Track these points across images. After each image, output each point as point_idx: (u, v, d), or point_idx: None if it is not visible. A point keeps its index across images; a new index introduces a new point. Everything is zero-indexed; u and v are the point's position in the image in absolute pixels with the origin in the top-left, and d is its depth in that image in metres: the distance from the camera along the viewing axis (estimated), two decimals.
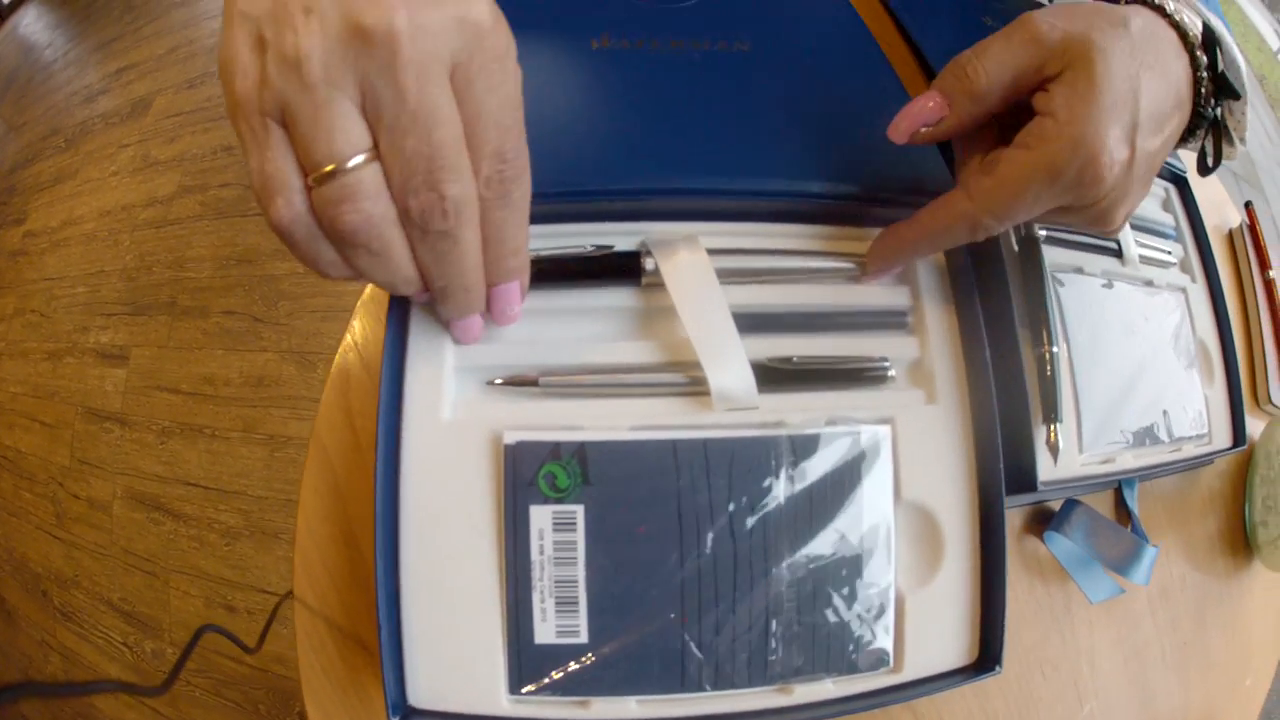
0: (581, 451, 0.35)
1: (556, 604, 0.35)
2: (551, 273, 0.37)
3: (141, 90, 2.01)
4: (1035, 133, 0.33)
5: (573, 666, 0.35)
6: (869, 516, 0.37)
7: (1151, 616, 0.52)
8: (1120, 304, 0.49)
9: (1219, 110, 0.37)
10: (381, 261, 0.29)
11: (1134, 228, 0.52)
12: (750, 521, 0.36)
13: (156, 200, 1.76)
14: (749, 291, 0.38)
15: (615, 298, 0.38)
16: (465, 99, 0.27)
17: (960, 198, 0.35)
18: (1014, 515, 0.48)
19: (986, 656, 0.38)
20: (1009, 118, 0.35)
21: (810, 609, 0.36)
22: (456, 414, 0.36)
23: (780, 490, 0.36)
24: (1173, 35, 0.34)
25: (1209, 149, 0.39)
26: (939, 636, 0.38)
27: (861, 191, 0.39)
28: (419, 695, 0.35)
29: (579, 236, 0.38)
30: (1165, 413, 0.50)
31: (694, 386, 0.36)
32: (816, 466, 0.36)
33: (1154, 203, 0.57)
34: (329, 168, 0.26)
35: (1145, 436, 0.48)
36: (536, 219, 0.38)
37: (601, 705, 0.35)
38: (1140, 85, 0.32)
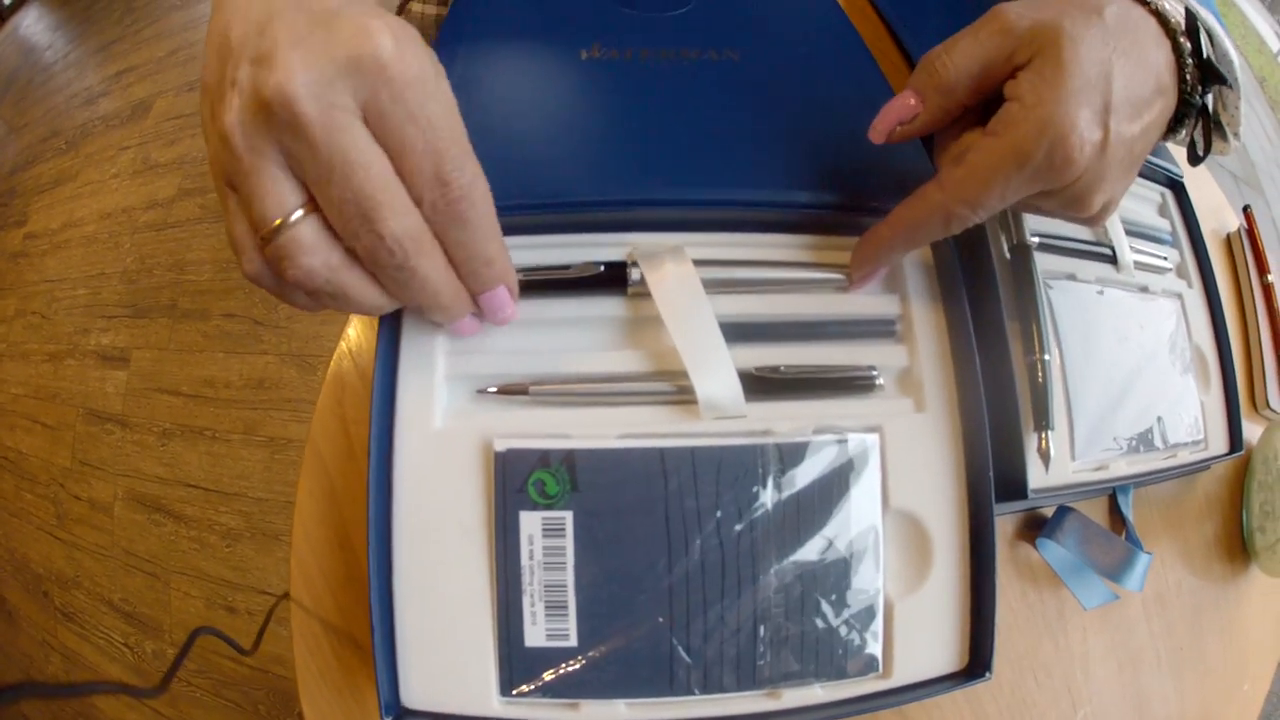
0: (570, 459, 0.35)
1: (546, 608, 0.35)
2: (536, 285, 0.37)
3: (141, 93, 2.02)
4: (1003, 118, 0.33)
5: (562, 669, 0.35)
6: (857, 524, 0.37)
7: (1147, 622, 0.52)
8: (1114, 310, 0.49)
9: (1207, 98, 0.36)
10: (343, 300, 0.30)
11: (1129, 233, 0.51)
12: (738, 528, 0.36)
13: (157, 203, 1.76)
14: (737, 301, 0.38)
15: (604, 308, 0.39)
16: (385, 134, 0.28)
17: (933, 189, 0.35)
18: (1006, 521, 0.48)
19: (977, 663, 0.38)
20: (986, 111, 0.35)
21: (798, 615, 0.36)
22: (447, 422, 0.36)
23: (767, 498, 0.36)
24: (1152, 22, 0.34)
25: (1198, 139, 0.39)
26: (929, 642, 0.38)
27: (851, 200, 0.39)
28: (412, 696, 0.35)
29: (567, 247, 0.38)
30: (1160, 419, 0.50)
31: (682, 395, 0.37)
32: (804, 475, 0.36)
33: (1150, 207, 0.57)
34: (266, 230, 0.28)
35: (1140, 443, 0.48)
36: (522, 230, 0.38)
37: (591, 708, 0.35)
38: (1113, 69, 0.32)
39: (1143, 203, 0.57)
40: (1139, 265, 0.51)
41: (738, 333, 0.37)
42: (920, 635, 0.38)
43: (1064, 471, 0.44)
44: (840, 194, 0.40)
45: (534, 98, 0.44)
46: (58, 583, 1.46)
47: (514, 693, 0.35)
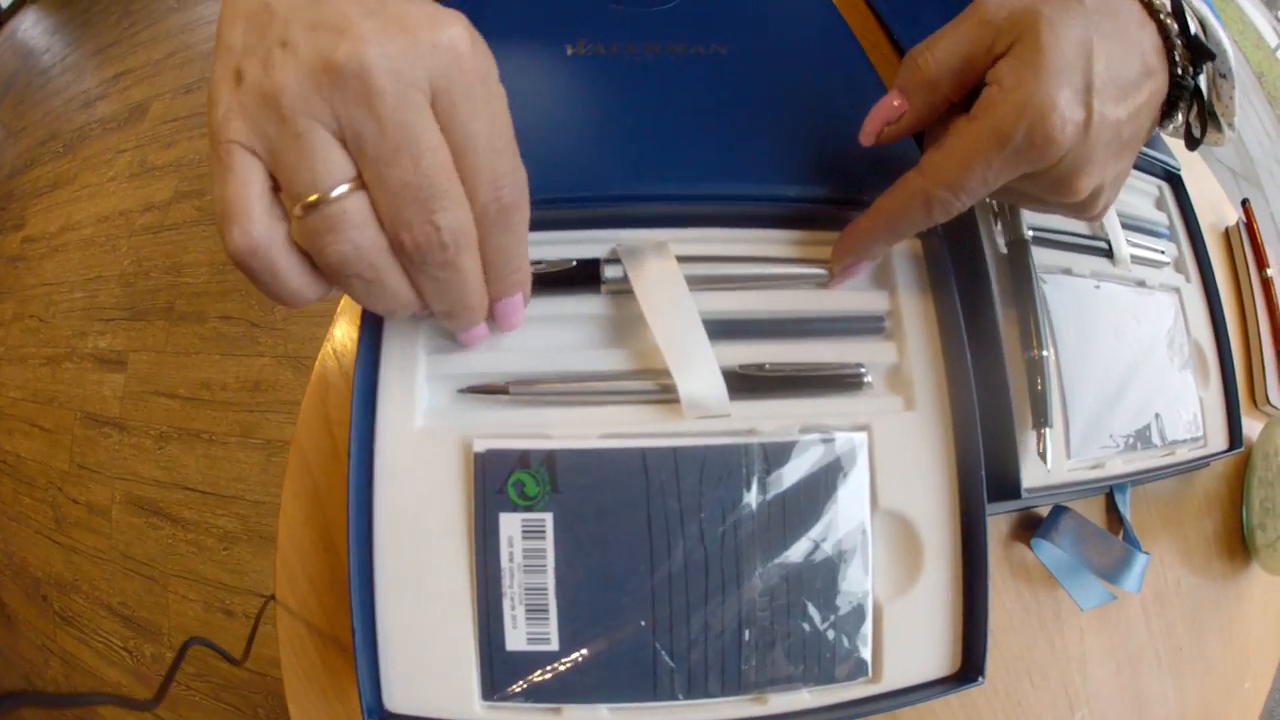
0: (550, 459, 0.35)
1: (527, 611, 0.35)
2: None
3: (139, 95, 2.02)
4: (983, 102, 0.33)
5: (544, 673, 0.35)
6: (845, 525, 0.36)
7: (1145, 622, 0.51)
8: (1110, 305, 0.49)
9: (1199, 79, 0.36)
10: (376, 289, 0.28)
11: (1126, 227, 0.51)
12: (721, 530, 0.35)
13: (154, 205, 1.77)
14: (721, 298, 0.38)
15: (586, 305, 0.38)
16: (450, 126, 0.27)
17: (913, 175, 0.34)
18: (1000, 521, 0.48)
19: (969, 666, 0.37)
20: (972, 105, 0.35)
21: (785, 618, 0.36)
22: (428, 421, 0.36)
23: (752, 499, 0.35)
24: (1136, 6, 0.34)
25: (1193, 122, 0.38)
26: (919, 646, 0.37)
27: (840, 194, 0.39)
28: (394, 700, 0.35)
29: (550, 245, 0.38)
30: (1158, 416, 0.49)
31: (664, 394, 0.36)
32: (790, 475, 0.36)
33: (1147, 201, 0.56)
34: (312, 198, 0.26)
35: (1137, 440, 0.47)
36: None
37: (573, 713, 0.35)
38: (1094, 50, 0.31)
39: (1140, 196, 0.56)
40: (1136, 259, 0.50)
41: (722, 330, 0.37)
42: (911, 638, 0.37)
43: (1059, 470, 0.44)
44: (829, 188, 0.39)
45: (519, 93, 0.43)
46: (56, 587, 1.46)
47: (495, 697, 0.35)
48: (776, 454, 0.36)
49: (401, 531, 0.35)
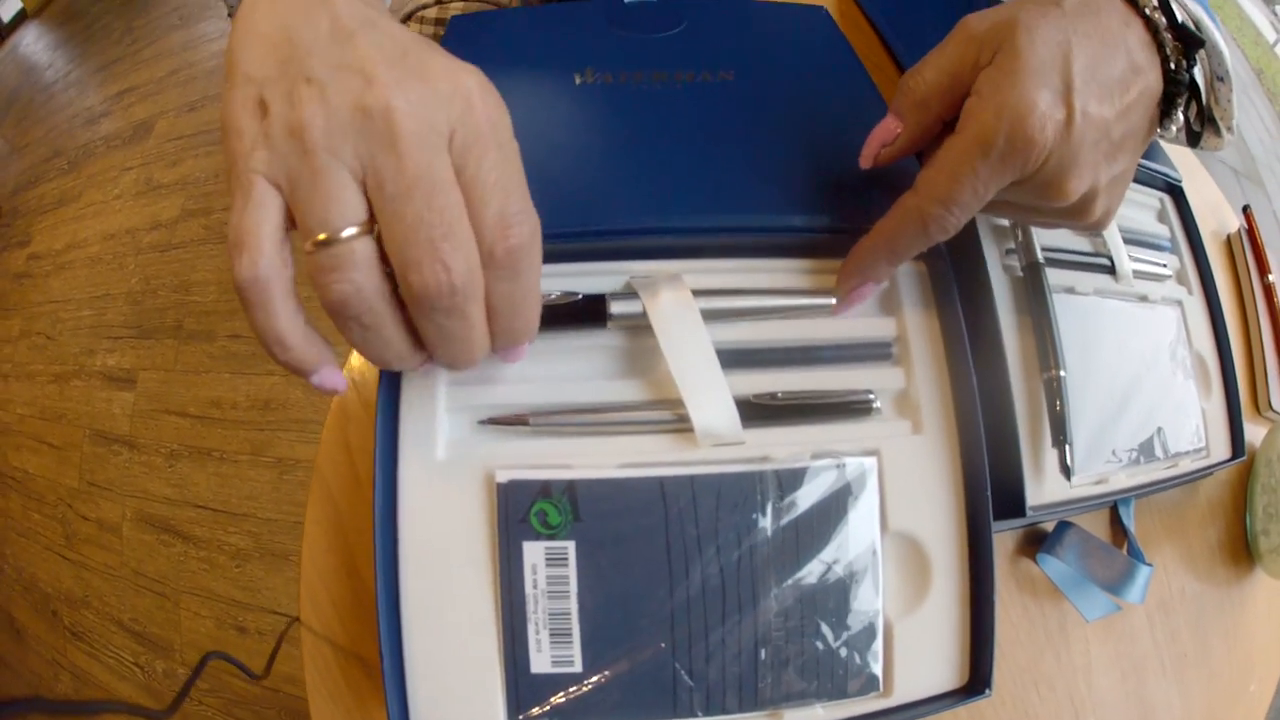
0: (572, 489, 0.36)
1: (551, 635, 0.35)
2: None
3: (143, 113, 2.03)
4: (964, 113, 0.33)
5: (568, 694, 0.35)
6: (855, 547, 0.37)
7: (1150, 630, 0.52)
8: (1113, 322, 0.49)
9: (1194, 72, 0.36)
10: (374, 335, 0.29)
11: (1128, 241, 0.51)
12: (737, 554, 0.36)
13: (160, 224, 1.78)
14: (734, 328, 0.39)
15: (602, 338, 0.39)
16: (463, 168, 0.27)
17: (907, 195, 0.35)
18: (1006, 537, 0.49)
19: (977, 679, 0.38)
20: None
21: (799, 637, 0.37)
22: (450, 453, 0.37)
23: (767, 523, 0.36)
24: (1118, 3, 0.34)
25: (1191, 118, 0.38)
26: (928, 661, 0.38)
27: (850, 223, 0.39)
28: None
29: (561, 277, 0.39)
30: (1160, 429, 0.50)
31: (681, 424, 0.37)
32: (802, 500, 0.37)
33: (1149, 214, 0.57)
34: (323, 236, 0.26)
35: (1140, 455, 0.48)
36: None
37: None
38: (1072, 50, 0.32)
39: (1141, 209, 0.57)
40: (1138, 274, 0.51)
41: (735, 359, 0.38)
42: (920, 653, 0.38)
43: (1063, 487, 0.44)
44: (838, 216, 0.40)
45: (529, 124, 0.44)
46: (66, 602, 1.47)
47: (521, 717, 0.35)
48: (789, 480, 0.37)
49: (426, 560, 0.36)
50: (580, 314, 0.37)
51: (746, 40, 0.51)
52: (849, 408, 0.38)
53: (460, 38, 0.51)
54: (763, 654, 0.36)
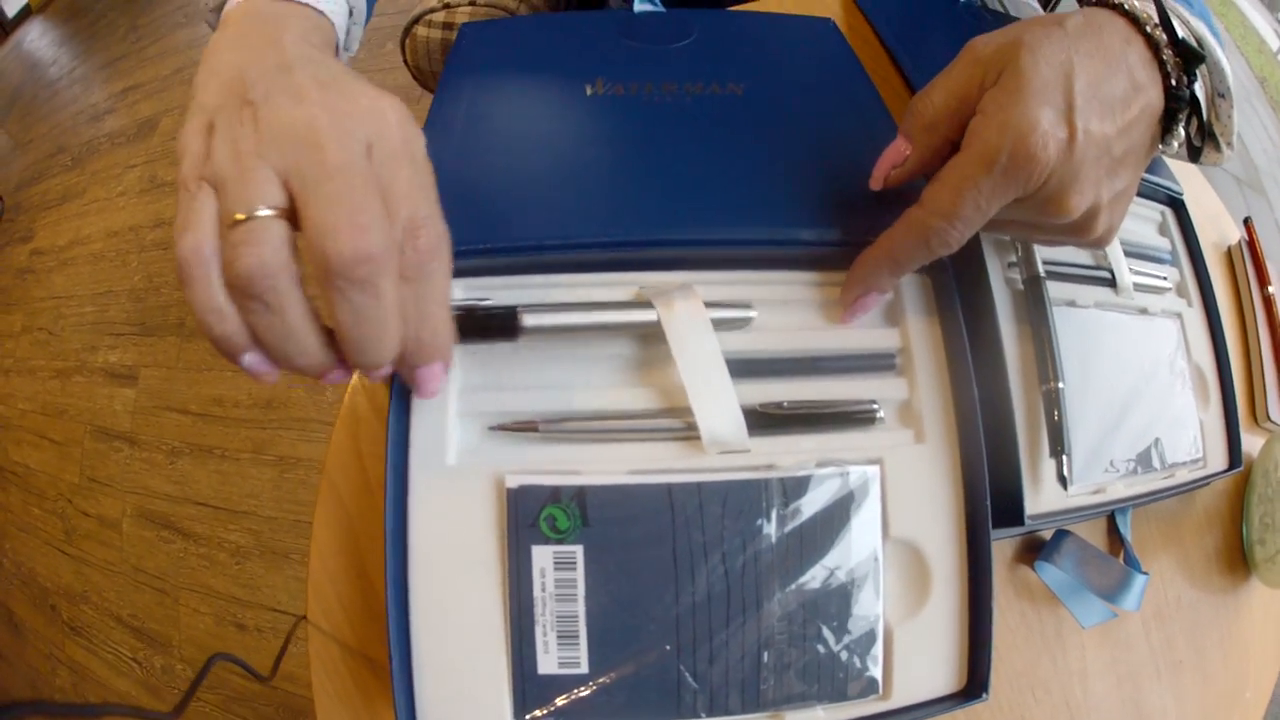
0: (581, 494, 0.36)
1: (558, 637, 0.36)
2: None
3: (147, 111, 2.04)
4: (969, 131, 0.34)
5: (574, 695, 0.36)
6: (858, 553, 0.38)
7: (1146, 638, 0.52)
8: (1113, 334, 0.50)
9: (1194, 88, 0.36)
10: (278, 322, 0.29)
11: (1128, 254, 0.52)
12: (742, 560, 0.37)
13: (164, 221, 1.78)
14: (741, 337, 0.39)
15: (612, 346, 0.40)
16: (378, 171, 0.29)
17: (912, 209, 0.35)
18: (1005, 544, 0.49)
19: (974, 683, 0.39)
20: None
21: (801, 641, 0.37)
22: (460, 459, 0.37)
23: (771, 530, 0.37)
24: (1122, 22, 0.35)
25: (1192, 133, 0.39)
26: (927, 665, 0.39)
27: (857, 237, 0.40)
28: None
29: (573, 288, 0.39)
30: (1158, 440, 0.50)
31: (688, 431, 0.37)
32: (807, 507, 0.37)
33: (1150, 227, 0.58)
34: (240, 215, 0.28)
35: (1137, 465, 0.49)
36: (525, 270, 0.39)
37: None
38: (1074, 69, 0.33)
39: (1142, 222, 0.57)
40: (1139, 287, 0.52)
41: (741, 368, 0.38)
42: (919, 658, 0.39)
43: (1060, 496, 0.45)
44: (845, 230, 0.40)
45: (540, 135, 0.45)
46: (65, 597, 1.47)
47: (527, 717, 0.36)
48: (794, 488, 0.37)
49: (435, 563, 0.37)
50: (491, 326, 0.37)
51: (755, 52, 0.51)
52: (853, 417, 0.39)
53: (471, 45, 0.52)
54: (766, 657, 0.37)
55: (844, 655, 0.38)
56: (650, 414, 0.38)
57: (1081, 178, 0.33)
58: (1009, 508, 0.42)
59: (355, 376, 0.47)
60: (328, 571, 0.45)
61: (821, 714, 0.38)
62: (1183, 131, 0.37)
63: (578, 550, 0.36)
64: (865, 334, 0.41)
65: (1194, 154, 0.40)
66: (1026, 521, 0.42)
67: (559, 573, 0.36)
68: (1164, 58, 0.35)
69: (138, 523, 1.49)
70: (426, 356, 0.32)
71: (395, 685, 0.35)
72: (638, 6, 0.57)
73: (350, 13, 0.41)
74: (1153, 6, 0.36)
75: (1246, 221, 0.68)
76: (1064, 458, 0.43)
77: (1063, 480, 0.43)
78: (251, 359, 0.30)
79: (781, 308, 0.41)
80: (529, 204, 0.40)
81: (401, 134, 0.30)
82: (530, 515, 0.36)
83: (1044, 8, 0.76)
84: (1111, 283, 0.51)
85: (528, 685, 0.36)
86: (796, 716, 0.38)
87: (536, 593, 0.36)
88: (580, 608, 0.36)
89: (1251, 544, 0.57)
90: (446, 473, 0.37)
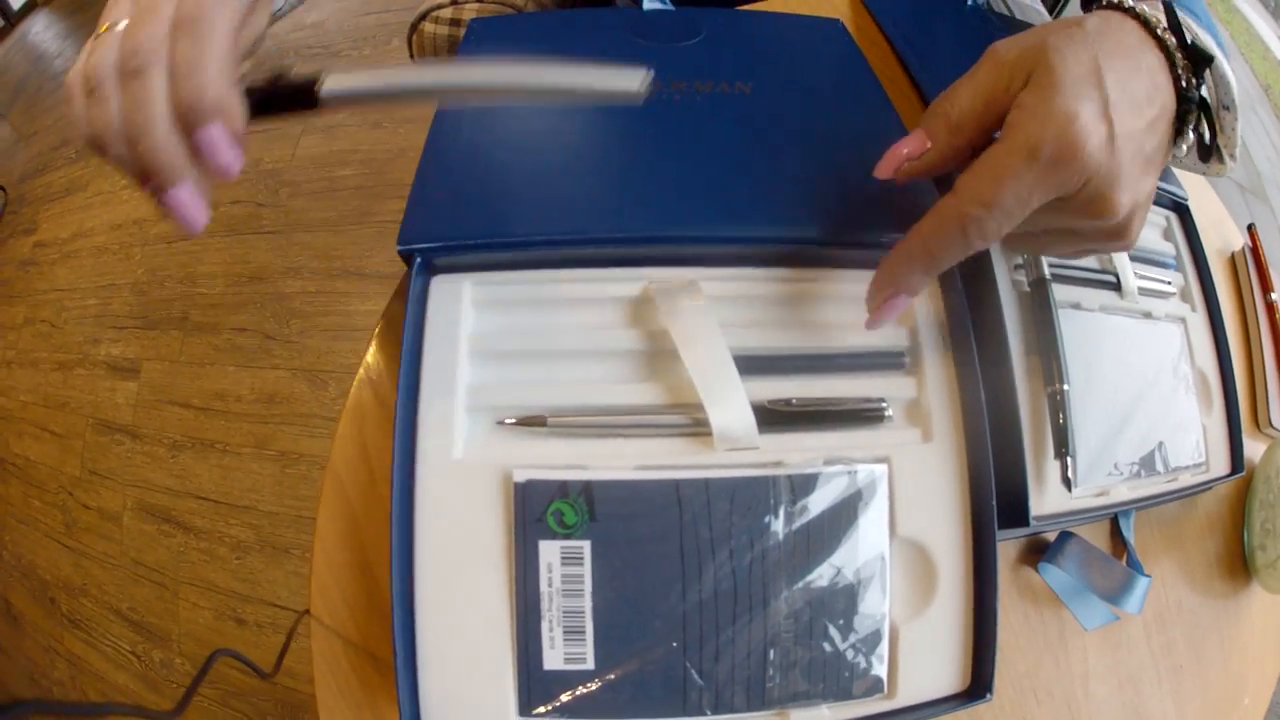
0: (588, 490, 0.36)
1: (564, 632, 0.36)
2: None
3: None
4: (1009, 124, 0.33)
5: (580, 691, 0.36)
6: (865, 552, 0.38)
7: (1147, 641, 0.52)
8: (1117, 338, 0.50)
9: (1203, 89, 0.37)
10: (100, 108, 0.31)
11: (1133, 259, 0.52)
12: (749, 557, 0.37)
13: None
14: (750, 334, 0.40)
15: (622, 340, 0.40)
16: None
17: (946, 199, 0.35)
18: (1009, 546, 0.49)
19: (978, 684, 0.39)
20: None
21: (807, 639, 0.37)
22: (468, 453, 0.37)
23: (779, 527, 0.37)
24: (1134, 25, 0.35)
25: (1204, 133, 0.39)
26: (932, 665, 0.39)
27: (860, 237, 0.40)
28: (432, 716, 0.36)
29: (583, 283, 0.40)
30: (1161, 444, 0.50)
31: (696, 427, 0.38)
32: (814, 505, 0.38)
33: (1155, 231, 0.58)
34: (104, 27, 0.32)
35: (1140, 468, 0.49)
36: (537, 265, 0.39)
37: None
38: (1102, 67, 0.33)
39: (1148, 227, 0.58)
40: (1143, 291, 0.52)
41: (750, 366, 0.38)
42: (924, 657, 0.39)
43: (1065, 498, 0.45)
44: (852, 228, 0.41)
45: (549, 131, 0.45)
46: (65, 590, 1.47)
47: (532, 713, 0.36)
48: (802, 485, 0.37)
49: (442, 557, 0.37)
50: (287, 97, 0.35)
51: (764, 52, 0.51)
52: (861, 415, 0.39)
53: (479, 41, 0.52)
54: (772, 654, 0.37)
55: (850, 654, 0.38)
56: (658, 410, 0.38)
57: (1124, 175, 0.33)
58: (1014, 509, 0.42)
59: (361, 370, 0.47)
60: (331, 566, 0.45)
61: (827, 712, 0.38)
62: (1192, 134, 0.37)
63: (585, 545, 0.36)
64: (874, 333, 0.41)
65: (1204, 154, 0.40)
66: (1031, 523, 0.42)
67: (566, 568, 0.36)
68: (1174, 59, 0.35)
69: (138, 516, 1.48)
70: (198, 116, 0.32)
71: (399, 680, 0.35)
72: (647, 5, 0.57)
73: None
74: (1161, 12, 0.36)
75: (1250, 228, 0.68)
76: (1069, 460, 0.43)
77: (1067, 482, 0.43)
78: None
79: (789, 305, 0.41)
80: (537, 200, 0.41)
81: None
82: (538, 510, 0.36)
83: (1049, 11, 0.76)
84: (1116, 286, 0.51)
85: (533, 681, 0.36)
86: (802, 715, 0.38)
87: (543, 588, 0.36)
88: (587, 603, 0.36)
89: (1252, 549, 0.57)
90: (453, 467, 0.37)
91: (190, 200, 0.33)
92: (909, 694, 0.39)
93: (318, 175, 1.72)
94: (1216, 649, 0.55)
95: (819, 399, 0.39)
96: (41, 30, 2.50)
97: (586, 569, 0.36)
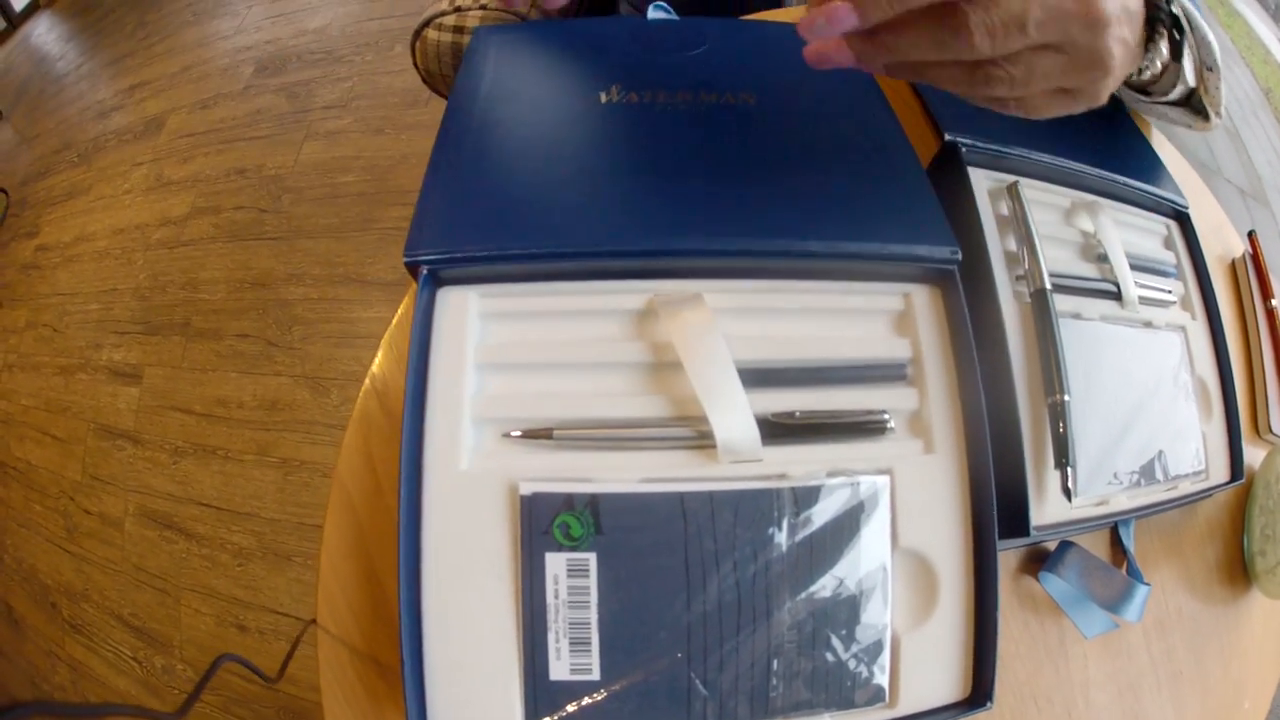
0: (594, 502, 0.37)
1: (570, 644, 0.36)
2: None
3: (154, 109, 2.04)
4: None
5: (585, 701, 0.37)
6: (867, 563, 0.38)
7: (1147, 648, 0.53)
8: (1117, 347, 0.50)
9: (1173, 5, 0.38)
10: None
11: (1134, 268, 0.52)
12: (753, 568, 0.37)
13: (170, 220, 1.78)
14: (753, 346, 0.40)
15: (627, 352, 0.40)
16: None
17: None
18: (1010, 555, 0.50)
19: (978, 692, 0.39)
20: None
21: (810, 649, 0.38)
22: (474, 464, 0.38)
23: (782, 539, 0.37)
24: None
25: (1178, 41, 0.40)
26: (933, 674, 0.39)
27: (864, 249, 0.41)
28: None
29: (586, 295, 0.40)
30: (1161, 452, 0.51)
31: (701, 440, 0.38)
32: (817, 517, 0.38)
33: (1155, 240, 0.58)
34: None
35: (1140, 477, 0.49)
36: (541, 277, 0.40)
37: None
38: None
39: (1148, 236, 0.58)
40: (1144, 300, 0.52)
41: (754, 378, 0.39)
42: (925, 666, 0.39)
43: (1065, 508, 0.45)
44: (854, 241, 0.41)
45: (555, 142, 0.45)
46: (66, 595, 1.47)
47: None
48: (805, 497, 0.38)
49: (448, 569, 0.37)
50: None
51: (767, 62, 0.52)
52: (864, 427, 0.39)
53: (485, 50, 0.52)
54: (775, 664, 0.37)
55: (852, 664, 0.38)
56: (663, 423, 0.38)
57: (1111, 30, 0.34)
58: (1015, 519, 0.43)
59: (367, 380, 0.47)
60: (337, 575, 0.45)
61: None
62: (1165, 49, 0.39)
63: (591, 558, 0.36)
64: (877, 344, 0.41)
65: (1175, 52, 0.41)
66: (1032, 533, 0.43)
67: (572, 580, 0.36)
68: None
69: (140, 522, 1.48)
70: None
71: (407, 689, 0.35)
72: (651, 14, 0.57)
73: None
74: None
75: (1251, 234, 0.68)
76: (1069, 470, 0.43)
77: (1067, 492, 0.43)
78: None
79: (792, 317, 0.41)
80: (542, 212, 0.41)
81: None
82: (544, 522, 0.36)
83: None
84: (1117, 296, 0.51)
85: (539, 691, 0.36)
86: None
87: (549, 600, 0.36)
88: (593, 615, 0.36)
89: (1252, 555, 0.58)
90: (460, 478, 0.37)
91: None
92: (910, 703, 0.39)
93: (320, 181, 1.72)
94: (1216, 655, 0.56)
95: (822, 411, 0.39)
96: (44, 32, 2.51)
97: (592, 581, 0.36)
